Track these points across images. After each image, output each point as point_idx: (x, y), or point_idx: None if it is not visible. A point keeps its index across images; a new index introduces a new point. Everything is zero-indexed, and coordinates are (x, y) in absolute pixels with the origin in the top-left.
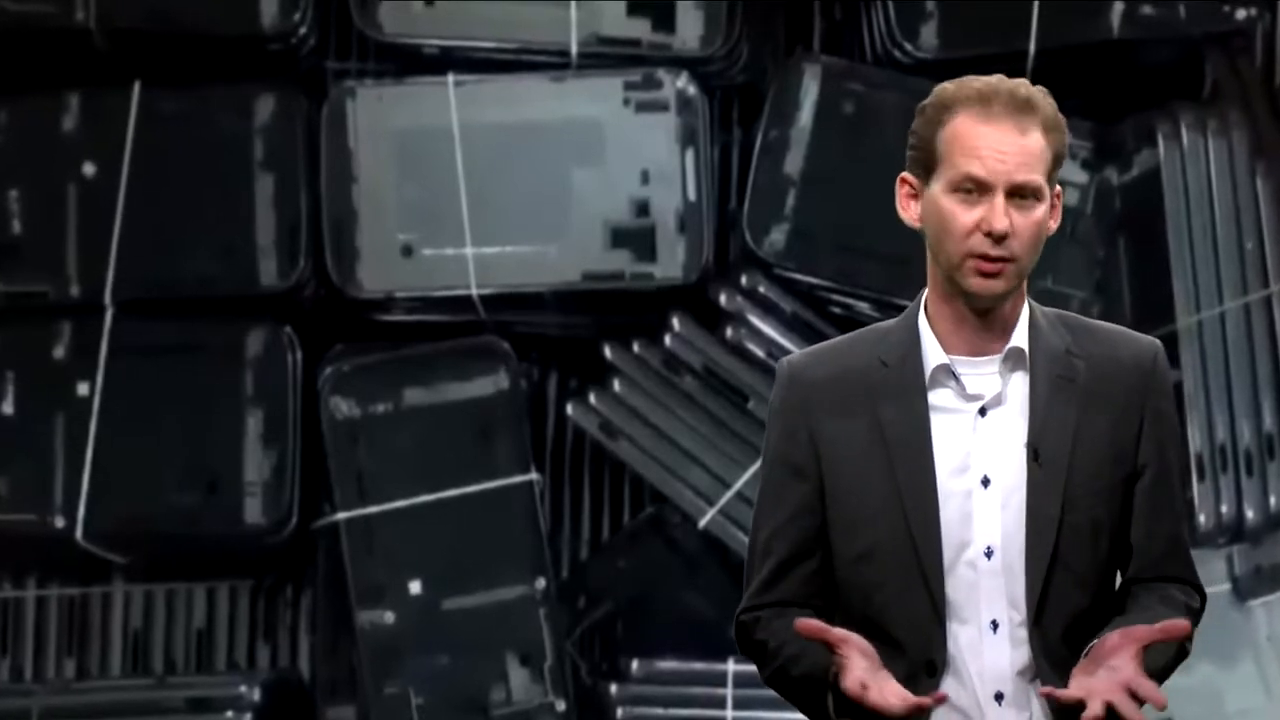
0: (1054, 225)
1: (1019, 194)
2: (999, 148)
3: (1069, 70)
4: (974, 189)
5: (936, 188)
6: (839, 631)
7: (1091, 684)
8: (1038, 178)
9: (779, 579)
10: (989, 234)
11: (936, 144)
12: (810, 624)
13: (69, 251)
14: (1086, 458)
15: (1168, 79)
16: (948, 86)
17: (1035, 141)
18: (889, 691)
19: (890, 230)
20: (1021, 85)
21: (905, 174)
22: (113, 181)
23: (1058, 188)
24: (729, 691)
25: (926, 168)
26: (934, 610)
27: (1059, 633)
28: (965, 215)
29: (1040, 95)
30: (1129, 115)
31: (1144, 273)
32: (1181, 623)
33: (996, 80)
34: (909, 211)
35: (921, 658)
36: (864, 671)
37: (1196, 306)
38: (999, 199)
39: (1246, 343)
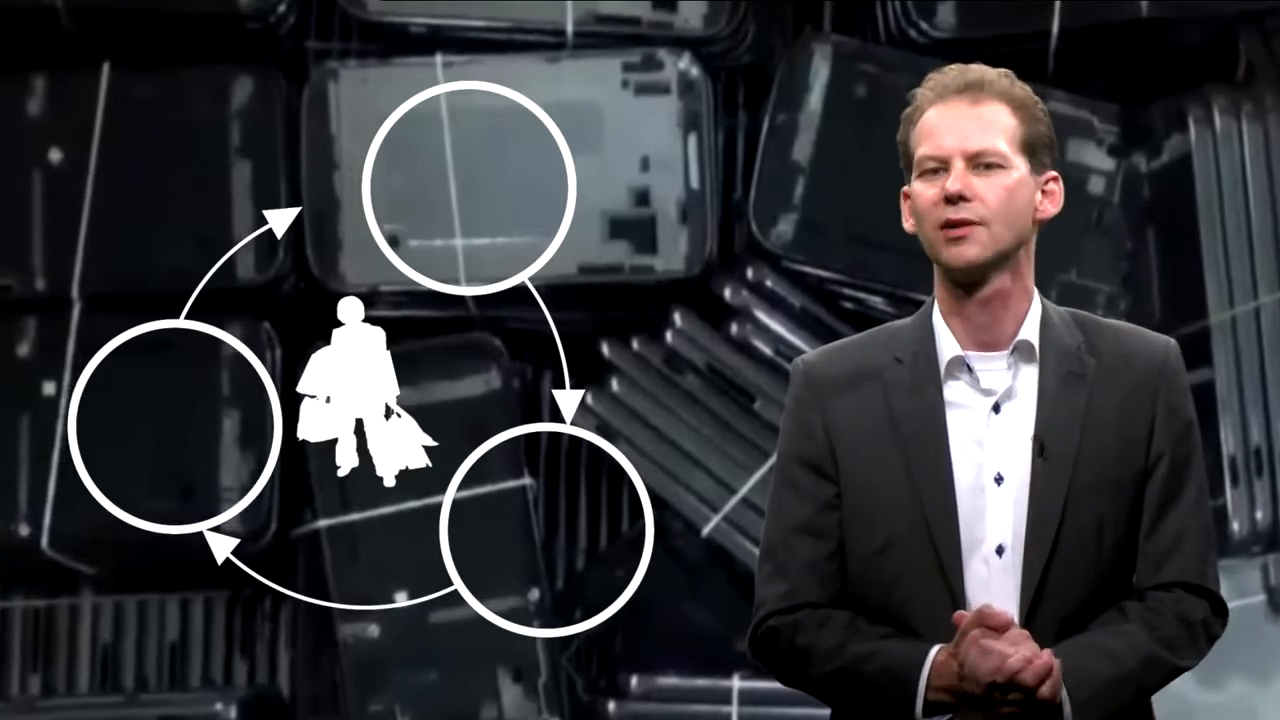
0: (1052, 209)
1: (980, 162)
2: (950, 122)
3: (1095, 51)
4: (936, 168)
5: (913, 182)
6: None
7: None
8: (995, 144)
9: (808, 579)
10: (947, 199)
11: (910, 146)
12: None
13: (34, 243)
14: (1094, 452)
15: (1199, 60)
16: (914, 92)
17: (992, 111)
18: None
19: None
20: (974, 68)
21: (905, 188)
22: (81, 169)
23: (1052, 173)
24: (734, 709)
25: (909, 172)
26: (953, 603)
27: (1054, 630)
28: (930, 192)
29: (996, 74)
30: (1158, 98)
31: (1174, 265)
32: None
33: (953, 68)
34: (910, 222)
35: None
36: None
37: (1230, 301)
38: (955, 166)
39: None
